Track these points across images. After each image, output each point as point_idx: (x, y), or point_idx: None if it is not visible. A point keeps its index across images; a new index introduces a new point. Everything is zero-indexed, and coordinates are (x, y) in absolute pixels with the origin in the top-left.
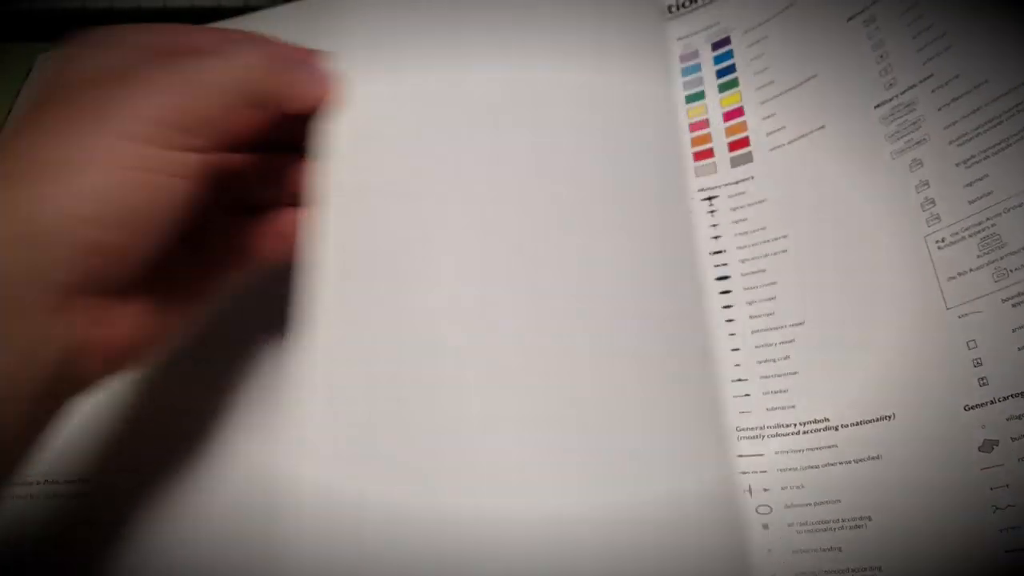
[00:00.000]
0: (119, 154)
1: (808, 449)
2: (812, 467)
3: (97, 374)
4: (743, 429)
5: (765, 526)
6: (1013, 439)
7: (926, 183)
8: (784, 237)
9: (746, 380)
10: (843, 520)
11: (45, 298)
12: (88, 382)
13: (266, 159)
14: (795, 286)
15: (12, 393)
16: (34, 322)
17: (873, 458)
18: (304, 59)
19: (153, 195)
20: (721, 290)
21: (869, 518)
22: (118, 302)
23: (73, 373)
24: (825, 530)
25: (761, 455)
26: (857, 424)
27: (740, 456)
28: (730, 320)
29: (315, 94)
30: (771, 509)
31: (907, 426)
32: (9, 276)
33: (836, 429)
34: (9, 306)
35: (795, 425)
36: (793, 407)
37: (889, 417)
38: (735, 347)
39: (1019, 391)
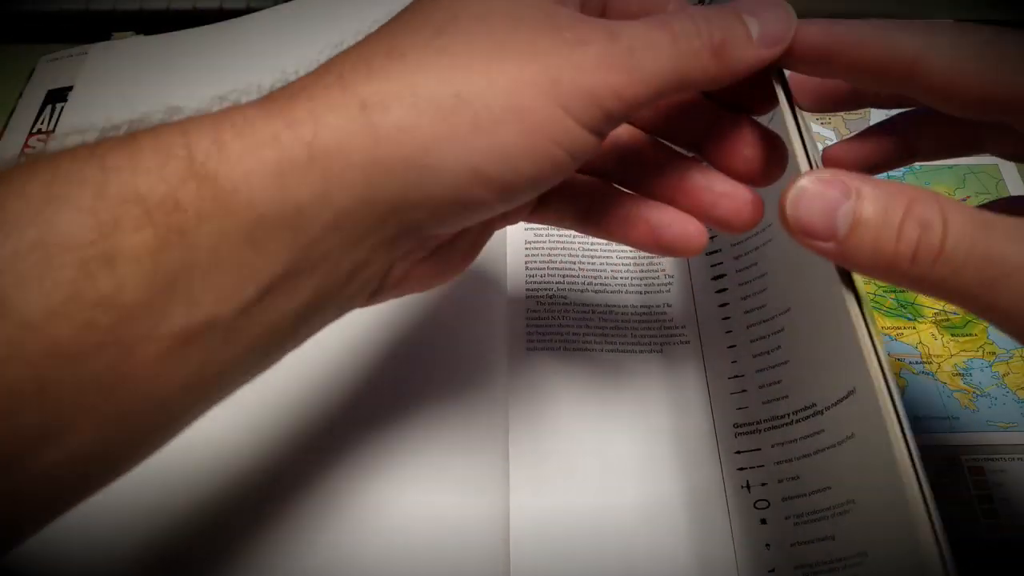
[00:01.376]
0: (545, 120)
1: (801, 438)
2: (806, 456)
3: (388, 294)
4: (740, 425)
5: (763, 521)
6: None
7: None
8: (769, 226)
9: (743, 376)
10: (833, 507)
11: (391, 229)
12: (376, 300)
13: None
14: (783, 273)
15: (317, 305)
16: (366, 247)
17: (849, 438)
18: (760, 11)
19: (550, 171)
20: (717, 289)
21: (853, 501)
22: (436, 244)
23: (363, 294)
24: (819, 520)
25: (758, 449)
26: (836, 404)
27: (738, 452)
28: (726, 318)
29: (766, 60)
30: (769, 504)
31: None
32: (374, 197)
33: (822, 413)
34: (356, 228)
35: (788, 416)
36: (787, 397)
37: (852, 391)
38: (731, 344)
39: None
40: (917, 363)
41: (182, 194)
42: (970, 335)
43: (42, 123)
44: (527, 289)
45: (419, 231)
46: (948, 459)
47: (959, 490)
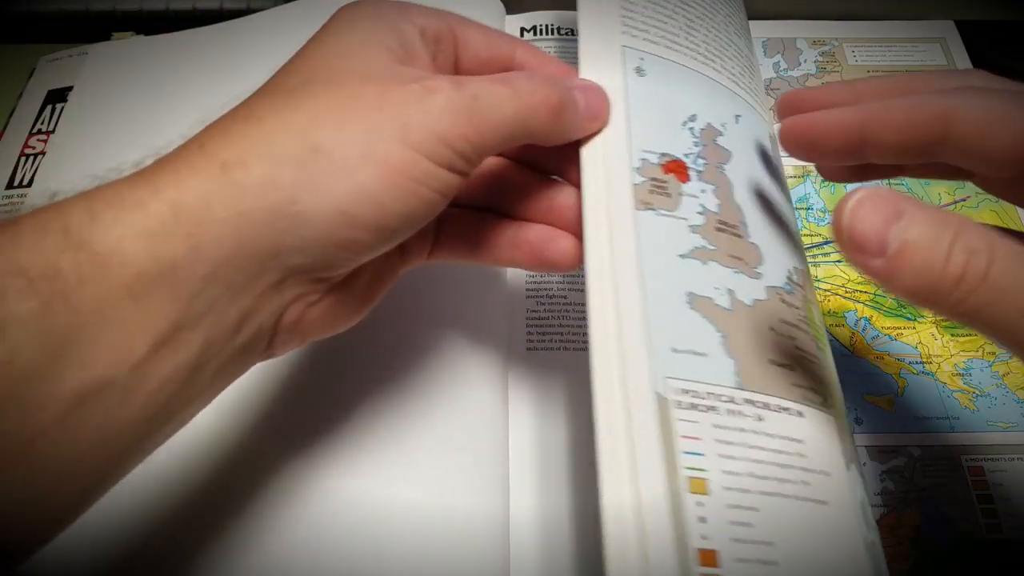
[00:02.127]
0: (400, 161)
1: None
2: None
3: (287, 344)
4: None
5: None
6: None
7: None
8: None
9: None
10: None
11: (273, 275)
12: (276, 351)
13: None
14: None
15: (210, 356)
16: (251, 294)
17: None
18: (584, 91)
19: (415, 206)
20: None
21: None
22: (328, 286)
23: (266, 341)
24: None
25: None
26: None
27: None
28: None
29: (587, 131)
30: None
31: None
32: (247, 247)
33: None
34: (236, 277)
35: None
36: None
37: None
38: None
39: None
40: (917, 363)
41: (62, 263)
42: (970, 335)
43: (42, 123)
44: (527, 289)
45: (304, 274)
46: (948, 459)
47: (959, 490)
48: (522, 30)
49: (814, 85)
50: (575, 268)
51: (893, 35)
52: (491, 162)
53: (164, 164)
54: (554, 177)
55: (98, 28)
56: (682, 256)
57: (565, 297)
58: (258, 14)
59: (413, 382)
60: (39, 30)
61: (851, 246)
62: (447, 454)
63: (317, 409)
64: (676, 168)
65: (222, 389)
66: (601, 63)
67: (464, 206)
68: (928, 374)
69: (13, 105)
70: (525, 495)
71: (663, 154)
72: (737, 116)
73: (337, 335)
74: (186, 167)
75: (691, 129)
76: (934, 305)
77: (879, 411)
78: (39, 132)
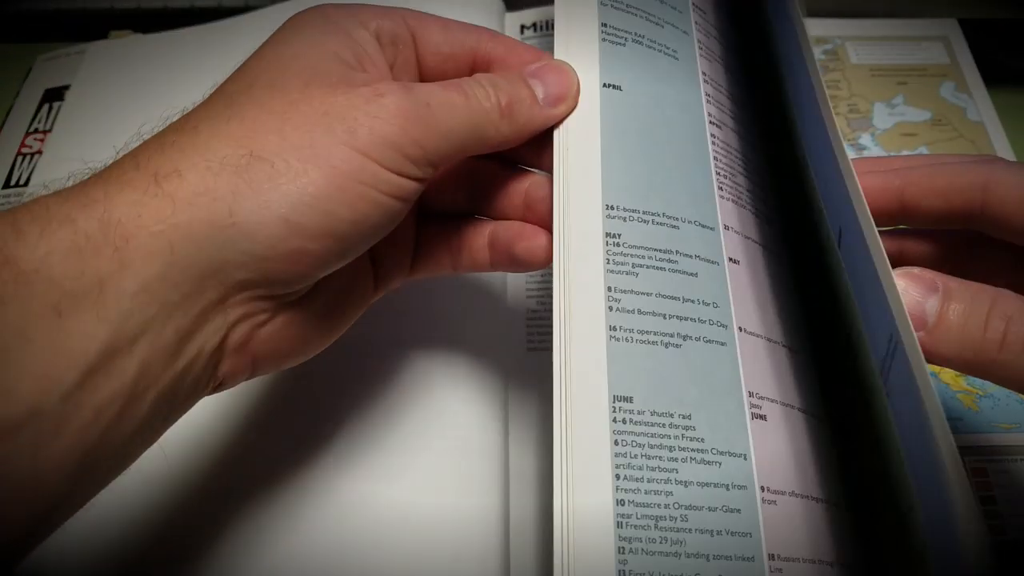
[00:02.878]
0: (346, 164)
1: None
2: None
3: (237, 374)
4: None
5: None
6: None
7: None
8: None
9: None
10: None
11: (213, 292)
12: (224, 381)
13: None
14: None
15: (148, 382)
16: (190, 313)
17: None
18: (545, 75)
19: (367, 212)
20: None
21: None
22: (279, 305)
23: (212, 368)
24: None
25: None
26: None
27: None
28: None
29: (554, 118)
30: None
31: None
32: (182, 263)
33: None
34: (171, 295)
35: None
36: None
37: None
38: None
39: None
40: None
41: None
42: None
43: (39, 122)
44: (527, 289)
45: (250, 291)
46: None
47: None
48: (522, 27)
49: None
50: (544, 266)
51: (896, 33)
52: (465, 162)
53: (96, 178)
54: (530, 169)
55: (95, 26)
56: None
57: None
58: (256, 12)
59: (413, 382)
60: (36, 28)
61: None
62: (447, 454)
63: (316, 409)
64: None
65: (166, 426)
66: (575, 42)
67: (441, 214)
68: (930, 375)
69: (10, 104)
70: (525, 495)
71: None
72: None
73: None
74: (117, 180)
75: None
76: (983, 372)
77: None
78: (36, 131)
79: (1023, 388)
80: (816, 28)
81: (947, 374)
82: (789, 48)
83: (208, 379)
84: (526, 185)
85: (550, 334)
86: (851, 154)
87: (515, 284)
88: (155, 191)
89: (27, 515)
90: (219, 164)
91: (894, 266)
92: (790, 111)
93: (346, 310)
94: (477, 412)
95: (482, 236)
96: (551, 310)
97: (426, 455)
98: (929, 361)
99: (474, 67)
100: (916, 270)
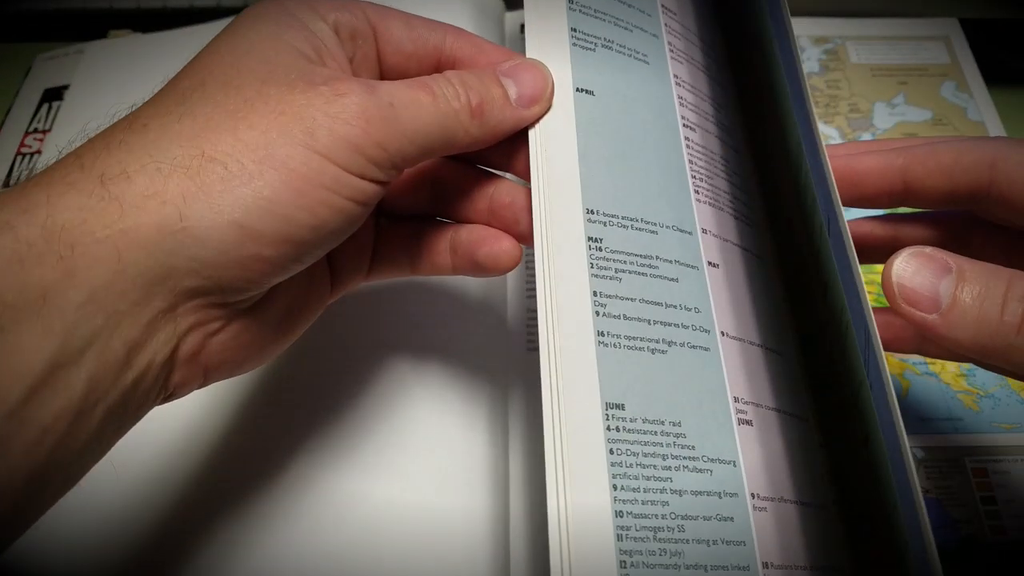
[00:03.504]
0: (304, 166)
1: None
2: None
3: (188, 383)
4: None
5: None
6: None
7: None
8: None
9: None
10: None
11: (162, 301)
12: (176, 391)
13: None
14: None
15: (97, 396)
16: (138, 323)
17: None
18: (519, 74)
19: (326, 217)
20: None
21: None
22: (233, 313)
23: (163, 379)
24: None
25: None
26: None
27: None
28: None
29: (528, 119)
30: None
31: None
32: (130, 270)
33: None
34: (118, 305)
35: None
36: None
37: None
38: None
39: None
40: (921, 364)
41: None
42: None
43: (39, 121)
44: (527, 289)
45: (201, 299)
46: (951, 460)
47: (962, 491)
48: (522, 27)
49: (818, 84)
50: (509, 270)
51: (897, 33)
52: (428, 163)
53: (38, 180)
54: (496, 172)
55: (95, 26)
56: None
57: None
58: None
59: (413, 382)
60: (35, 28)
61: (904, 303)
62: (447, 454)
63: (316, 409)
64: None
65: (117, 437)
66: (547, 45)
67: (401, 216)
68: (932, 375)
69: (9, 103)
70: (525, 495)
71: None
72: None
73: (338, 333)
74: (61, 182)
75: None
76: (999, 358)
77: None
78: (35, 131)
79: None
80: (817, 28)
81: (948, 374)
82: (777, 33)
83: (159, 390)
84: (491, 189)
85: None
86: None
87: (515, 283)
88: (101, 194)
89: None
90: (169, 165)
91: (890, 252)
92: (783, 101)
93: (302, 315)
94: (477, 411)
95: (444, 239)
96: None
97: (425, 455)
98: (942, 348)
99: (439, 66)
100: (928, 249)
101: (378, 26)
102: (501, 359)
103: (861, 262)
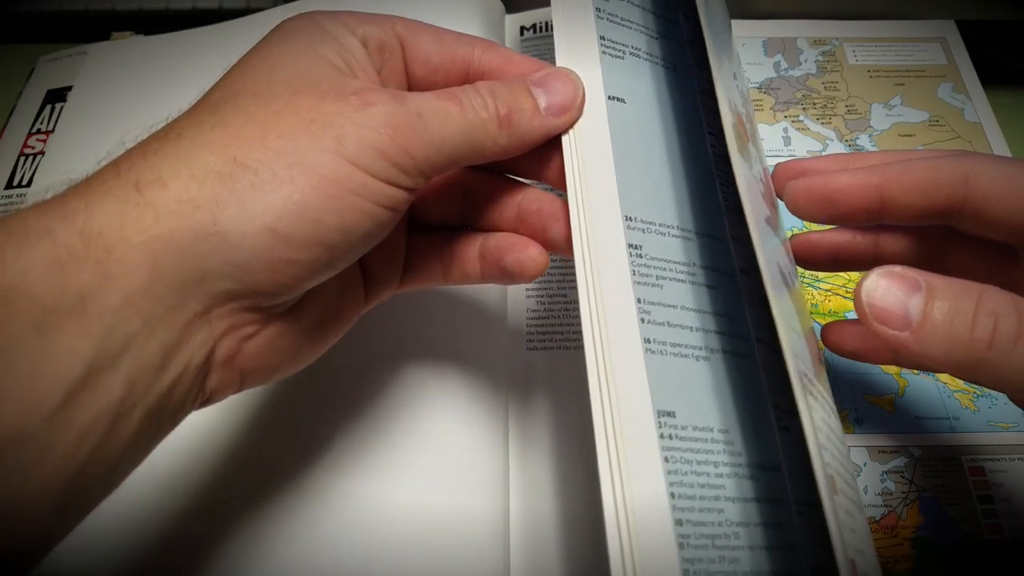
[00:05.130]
0: (333, 172)
1: None
2: None
3: (224, 388)
4: None
5: None
6: None
7: None
8: None
9: None
10: None
11: (197, 304)
12: (212, 396)
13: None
14: None
15: (134, 400)
16: (174, 326)
17: None
18: (548, 84)
19: (356, 220)
20: None
21: None
22: (267, 317)
23: (199, 383)
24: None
25: None
26: None
27: None
28: None
29: (558, 128)
30: None
31: None
32: (165, 274)
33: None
34: (154, 308)
35: None
36: None
37: None
38: None
39: None
40: None
41: None
42: None
43: (41, 123)
44: (527, 289)
45: (235, 302)
46: (948, 460)
47: (959, 491)
48: (522, 28)
49: (815, 85)
50: (536, 277)
51: (894, 34)
52: (457, 173)
53: (77, 188)
54: (523, 180)
55: (97, 28)
56: None
57: (565, 296)
58: (258, 14)
59: (413, 383)
60: (38, 30)
61: (876, 322)
62: (447, 454)
63: (317, 410)
64: None
65: (155, 443)
66: (577, 55)
67: (433, 226)
68: (929, 374)
69: (12, 105)
70: (525, 495)
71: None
72: None
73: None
74: (98, 189)
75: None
76: (973, 373)
77: (880, 411)
78: (38, 132)
79: (1014, 387)
80: (814, 30)
81: (945, 374)
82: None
83: (196, 394)
84: (519, 197)
85: (550, 334)
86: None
87: (515, 284)
88: (136, 200)
89: (14, 543)
90: (202, 172)
91: (871, 266)
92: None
93: (335, 322)
94: (477, 411)
95: (473, 248)
96: (551, 310)
97: (425, 455)
98: (916, 365)
99: (467, 78)
100: (898, 268)
101: (406, 39)
102: (501, 358)
103: (842, 269)
